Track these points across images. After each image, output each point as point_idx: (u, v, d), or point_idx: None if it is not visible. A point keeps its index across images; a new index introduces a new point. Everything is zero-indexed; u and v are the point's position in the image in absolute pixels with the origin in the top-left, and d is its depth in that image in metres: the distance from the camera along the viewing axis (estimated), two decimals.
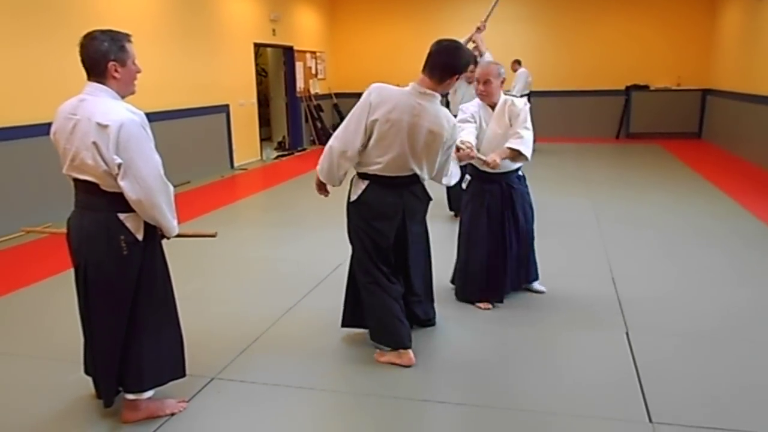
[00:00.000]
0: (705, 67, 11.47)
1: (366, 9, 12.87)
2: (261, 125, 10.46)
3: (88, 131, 2.16)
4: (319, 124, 11.95)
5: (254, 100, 10.04)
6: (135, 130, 2.19)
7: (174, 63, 7.69)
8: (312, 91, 11.91)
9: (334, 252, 4.64)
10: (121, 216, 2.26)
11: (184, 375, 2.56)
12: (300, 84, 11.41)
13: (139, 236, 2.29)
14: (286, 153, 10.80)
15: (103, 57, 2.19)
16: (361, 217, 2.90)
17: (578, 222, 5.68)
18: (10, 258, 4.81)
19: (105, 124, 2.14)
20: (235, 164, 9.23)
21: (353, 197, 2.91)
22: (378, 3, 12.77)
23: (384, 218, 2.89)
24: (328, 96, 12.70)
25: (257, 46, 10.04)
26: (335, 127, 12.25)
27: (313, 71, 12.09)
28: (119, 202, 2.23)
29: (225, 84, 8.96)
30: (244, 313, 3.58)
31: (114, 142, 2.14)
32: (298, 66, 11.34)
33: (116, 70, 2.23)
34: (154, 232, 2.38)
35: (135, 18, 6.94)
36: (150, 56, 7.22)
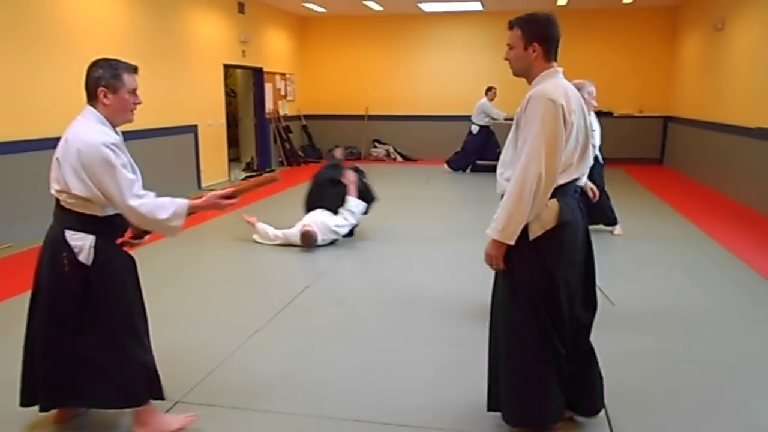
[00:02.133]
0: (666, 95, 11.86)
1: (336, 32, 12.98)
2: (229, 146, 10.40)
3: (63, 149, 2.26)
4: (287, 146, 11.94)
5: (223, 120, 9.99)
6: (97, 155, 2.21)
7: (143, 83, 7.56)
8: (281, 113, 11.91)
9: (301, 274, 4.61)
10: (68, 233, 2.29)
11: (138, 403, 2.42)
12: (269, 105, 11.40)
13: (83, 258, 2.28)
14: (254, 174, 10.73)
15: (95, 82, 2.31)
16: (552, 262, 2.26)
17: None
18: None
19: (73, 144, 2.22)
20: (203, 185, 9.14)
21: (537, 230, 2.22)
22: (348, 26, 12.90)
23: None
24: (297, 117, 12.71)
25: (227, 67, 10.02)
26: (304, 149, 12.33)
27: (283, 93, 12.11)
28: (71, 219, 2.30)
29: (194, 104, 8.90)
30: (210, 335, 3.53)
31: (79, 164, 2.21)
32: (268, 87, 11.34)
33: (105, 96, 2.31)
34: (110, 262, 2.35)
35: (104, 37, 6.86)
36: None
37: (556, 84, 2.23)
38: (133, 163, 2.39)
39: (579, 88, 3.74)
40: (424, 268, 5.08)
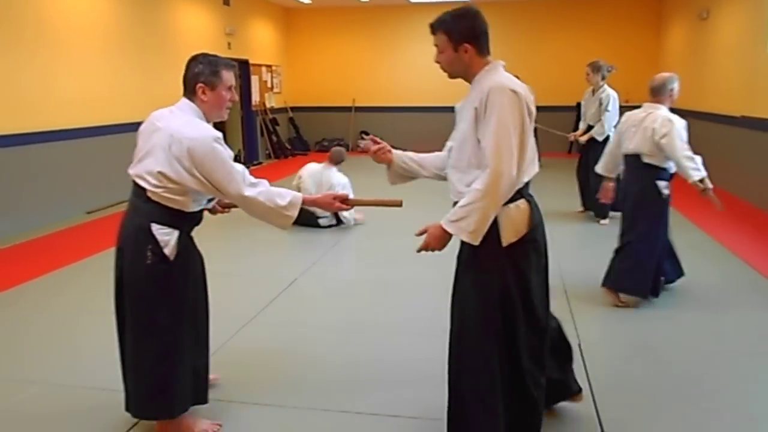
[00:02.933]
0: None
1: (322, 23, 12.90)
2: None
3: (164, 141, 2.21)
4: (274, 138, 11.87)
5: None
6: (210, 149, 2.20)
7: (126, 76, 7.52)
8: (268, 105, 11.84)
9: (290, 266, 4.59)
10: (155, 227, 2.24)
11: (170, 415, 2.36)
12: (255, 98, 11.33)
13: (168, 252, 2.24)
14: (246, 166, 10.66)
15: (194, 78, 2.30)
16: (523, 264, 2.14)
17: None
18: None
19: (179, 138, 2.19)
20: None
21: (510, 236, 2.08)
22: (334, 18, 12.82)
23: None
24: (284, 110, 12.64)
25: None
26: (291, 141, 12.28)
27: (269, 85, 12.03)
28: (158, 213, 2.24)
29: (177, 98, 8.78)
30: None
31: (189, 159, 2.18)
32: (254, 80, 11.26)
33: (203, 92, 2.31)
34: (188, 261, 2.34)
35: (88, 31, 6.76)
36: (102, 69, 7.05)
37: (508, 76, 2.10)
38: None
39: (665, 83, 3.75)
40: (413, 259, 5.07)
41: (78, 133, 6.43)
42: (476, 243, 2.02)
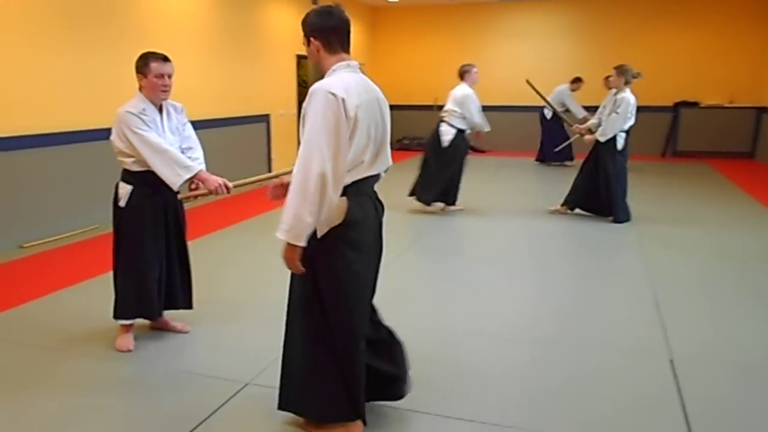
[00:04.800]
0: (760, 85, 11.06)
1: (407, 22, 12.88)
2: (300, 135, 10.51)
3: (115, 120, 2.99)
4: None
5: (295, 110, 10.11)
6: (122, 116, 2.99)
7: (218, 73, 7.80)
8: None
9: None
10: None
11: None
12: None
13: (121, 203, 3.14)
14: None
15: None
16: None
17: (619, 242, 5.50)
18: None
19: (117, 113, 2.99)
20: (273, 173, 9.28)
21: (324, 228, 2.17)
22: (420, 16, 12.77)
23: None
24: None
25: (300, 57, 10.12)
26: None
27: None
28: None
29: (267, 94, 9.06)
30: (279, 318, 3.53)
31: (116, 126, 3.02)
32: None
33: (139, 79, 3.09)
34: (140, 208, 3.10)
35: (182, 29, 7.06)
36: (194, 66, 7.34)
37: (341, 78, 2.12)
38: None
39: None
40: (490, 259, 4.95)
41: None
42: (297, 242, 2.04)
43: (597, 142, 6.17)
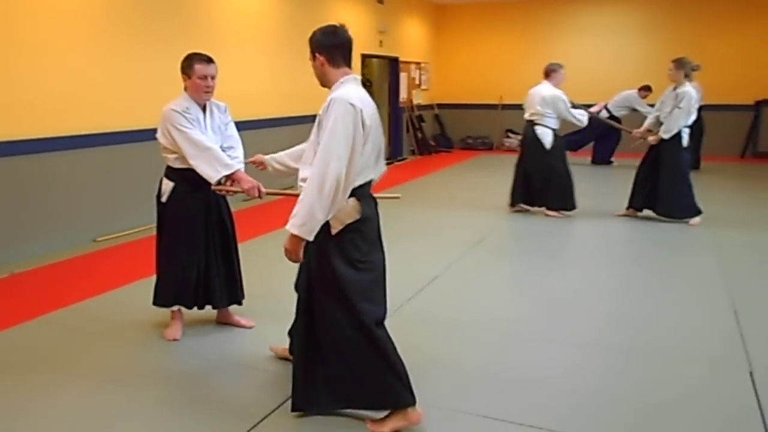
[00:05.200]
0: None
1: (471, 20, 12.75)
2: None
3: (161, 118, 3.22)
4: (419, 135, 11.94)
5: None
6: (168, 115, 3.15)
7: (286, 73, 7.94)
8: (414, 102, 11.93)
9: (434, 260, 4.55)
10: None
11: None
12: (403, 94, 11.46)
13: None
14: (386, 162, 10.84)
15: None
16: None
17: (695, 245, 5.26)
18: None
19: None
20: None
21: (338, 226, 2.33)
22: (484, 14, 12.61)
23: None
24: (430, 107, 12.67)
25: (364, 57, 10.19)
26: (435, 138, 12.23)
27: (417, 82, 12.12)
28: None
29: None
30: None
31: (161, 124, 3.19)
32: (402, 77, 11.40)
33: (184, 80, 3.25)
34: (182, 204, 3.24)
35: (250, 29, 7.23)
36: (263, 66, 7.51)
37: (353, 90, 2.34)
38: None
39: None
40: (560, 263, 4.82)
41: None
42: (308, 237, 2.23)
43: (660, 141, 5.91)
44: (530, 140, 6.32)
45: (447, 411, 2.59)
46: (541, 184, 6.28)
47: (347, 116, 2.22)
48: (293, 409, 2.48)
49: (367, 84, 11.65)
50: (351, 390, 2.42)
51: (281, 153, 2.94)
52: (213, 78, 3.15)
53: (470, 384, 2.82)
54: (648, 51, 11.37)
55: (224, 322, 3.48)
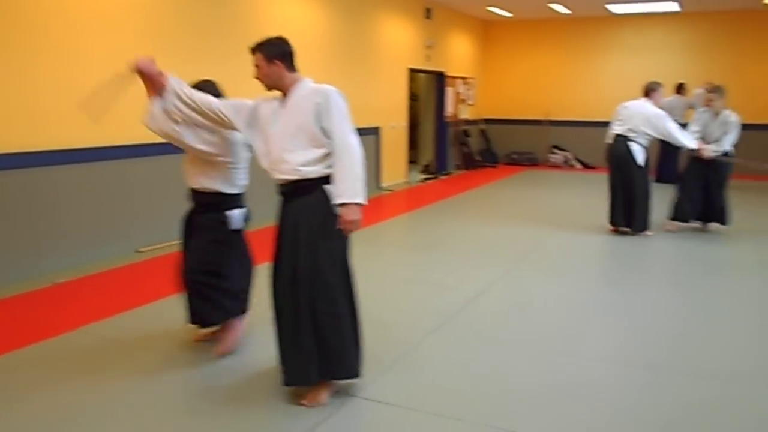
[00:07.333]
0: None
1: (518, 36, 12.76)
2: (408, 148, 10.71)
3: None
4: (465, 149, 12.00)
5: (405, 123, 10.33)
6: None
7: (334, 85, 8.13)
8: (460, 117, 12.01)
9: (479, 275, 4.61)
10: None
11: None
12: (449, 109, 11.56)
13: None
14: (431, 176, 10.96)
15: None
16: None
17: (736, 262, 5.18)
18: None
19: None
20: (382, 184, 9.54)
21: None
22: (531, 30, 12.61)
23: None
24: (475, 122, 12.72)
25: (411, 71, 10.33)
26: (482, 153, 12.17)
27: (463, 97, 12.19)
28: None
29: (379, 107, 9.33)
30: (385, 334, 3.63)
31: None
32: (449, 91, 11.50)
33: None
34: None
35: (299, 41, 7.40)
36: (313, 76, 7.72)
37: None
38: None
39: None
40: (597, 277, 4.81)
41: None
42: (365, 203, 2.65)
43: (711, 160, 6.13)
44: (622, 155, 6.15)
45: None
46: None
47: (345, 103, 2.70)
48: (286, 384, 2.75)
49: (413, 98, 11.80)
50: (334, 364, 2.70)
51: (194, 91, 3.06)
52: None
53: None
54: (689, 70, 11.19)
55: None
